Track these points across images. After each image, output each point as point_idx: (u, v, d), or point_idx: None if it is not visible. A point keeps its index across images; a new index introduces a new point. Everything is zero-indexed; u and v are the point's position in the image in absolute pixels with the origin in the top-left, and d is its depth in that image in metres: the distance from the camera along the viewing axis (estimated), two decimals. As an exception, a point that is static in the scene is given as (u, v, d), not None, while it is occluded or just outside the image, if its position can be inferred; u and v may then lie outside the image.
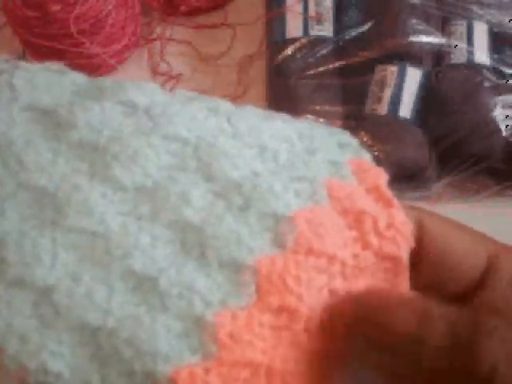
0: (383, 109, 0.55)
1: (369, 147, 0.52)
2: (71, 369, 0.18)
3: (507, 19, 0.59)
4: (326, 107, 0.56)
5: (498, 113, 0.53)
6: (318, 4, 0.60)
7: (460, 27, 0.59)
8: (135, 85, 0.22)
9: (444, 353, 0.17)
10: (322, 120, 0.55)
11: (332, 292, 0.19)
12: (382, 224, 0.20)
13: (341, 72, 0.58)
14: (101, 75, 0.64)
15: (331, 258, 0.19)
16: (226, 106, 0.23)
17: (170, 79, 0.64)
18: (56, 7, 0.57)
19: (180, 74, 0.64)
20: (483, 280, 0.21)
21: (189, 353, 0.18)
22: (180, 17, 0.67)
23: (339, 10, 0.61)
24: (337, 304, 0.19)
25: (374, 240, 0.20)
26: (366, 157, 0.22)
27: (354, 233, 0.20)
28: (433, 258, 0.21)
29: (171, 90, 0.63)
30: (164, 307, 0.18)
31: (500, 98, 0.55)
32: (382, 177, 0.22)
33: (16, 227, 0.19)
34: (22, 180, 0.20)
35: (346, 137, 0.23)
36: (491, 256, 0.21)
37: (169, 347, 0.18)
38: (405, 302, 0.18)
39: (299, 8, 0.60)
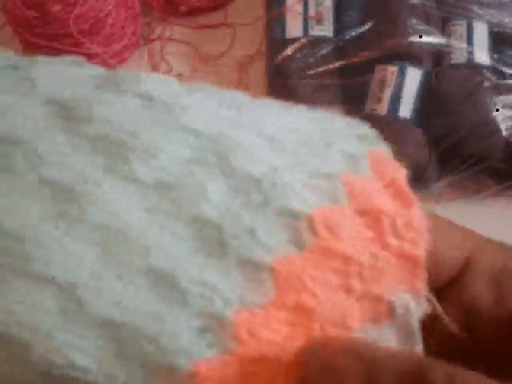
0: (383, 109, 0.55)
1: (369, 147, 0.52)
2: (97, 363, 0.18)
3: (507, 19, 0.59)
4: (326, 107, 0.56)
5: (498, 113, 0.53)
6: (318, 4, 0.60)
7: (460, 27, 0.59)
8: (153, 77, 0.22)
9: None
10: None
11: (348, 292, 0.19)
12: (400, 224, 0.20)
13: (341, 72, 0.58)
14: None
15: (348, 259, 0.19)
16: (242, 97, 0.22)
17: (170, 79, 0.64)
18: (56, 7, 0.57)
19: (180, 74, 0.64)
20: (463, 274, 0.21)
21: (209, 349, 0.18)
22: (180, 17, 0.68)
23: (339, 10, 0.61)
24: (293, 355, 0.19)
25: (392, 241, 0.20)
26: (385, 149, 0.22)
27: (372, 233, 0.20)
28: None
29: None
30: (185, 304, 0.18)
31: (500, 98, 0.55)
32: (400, 171, 0.22)
33: (37, 223, 0.19)
34: (42, 174, 0.20)
35: (365, 128, 0.22)
36: (472, 251, 0.21)
37: (190, 343, 0.18)
38: (352, 353, 0.18)
39: (299, 8, 0.60)
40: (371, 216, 0.20)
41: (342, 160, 0.21)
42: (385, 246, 0.20)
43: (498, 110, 0.53)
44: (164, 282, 0.19)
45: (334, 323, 0.19)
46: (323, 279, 0.19)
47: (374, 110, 0.55)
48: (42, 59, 0.22)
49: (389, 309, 0.19)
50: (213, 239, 0.19)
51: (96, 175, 0.20)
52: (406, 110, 0.55)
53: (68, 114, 0.21)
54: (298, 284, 0.19)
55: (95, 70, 0.22)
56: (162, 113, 0.21)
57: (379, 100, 0.55)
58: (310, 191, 0.20)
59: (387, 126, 0.54)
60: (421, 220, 0.20)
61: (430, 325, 0.19)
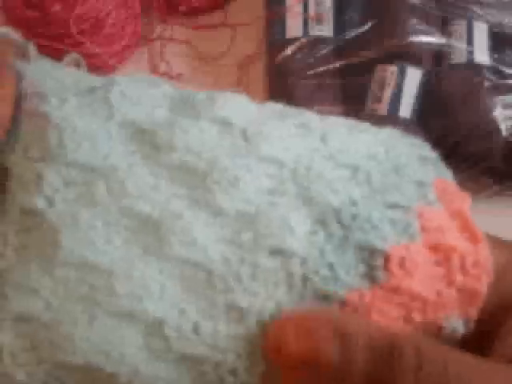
0: (383, 109, 0.55)
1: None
2: None
3: (507, 19, 0.59)
4: (326, 107, 0.56)
5: (498, 113, 0.53)
6: (318, 4, 0.60)
7: (460, 27, 0.58)
8: (227, 99, 0.21)
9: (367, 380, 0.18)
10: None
11: (407, 321, 0.20)
12: (469, 262, 0.21)
13: (341, 72, 0.58)
14: (101, 75, 0.64)
15: (415, 297, 0.20)
16: (316, 121, 0.22)
17: (169, 79, 0.64)
18: (56, 7, 0.57)
19: (180, 74, 0.64)
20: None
21: None
22: (180, 17, 0.67)
23: (339, 10, 0.61)
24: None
25: (459, 278, 0.20)
26: (449, 176, 0.23)
27: (441, 270, 0.21)
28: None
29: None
30: (250, 337, 0.19)
31: (500, 98, 0.55)
32: (465, 201, 0.23)
33: (123, 256, 0.19)
34: (124, 206, 0.20)
35: (427, 150, 0.23)
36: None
37: None
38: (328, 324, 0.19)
39: (299, 8, 0.60)
40: (442, 253, 0.21)
41: (413, 189, 0.21)
42: (451, 283, 0.20)
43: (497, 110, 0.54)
44: (247, 319, 0.19)
45: None
46: (388, 311, 0.20)
47: (373, 110, 0.55)
48: (118, 79, 0.22)
49: (438, 329, 0.20)
50: (295, 273, 0.20)
51: (179, 207, 0.20)
52: (406, 110, 0.55)
53: (148, 140, 0.21)
54: (365, 316, 0.20)
55: (168, 89, 0.22)
56: (240, 140, 0.21)
57: (379, 100, 0.55)
58: (387, 225, 0.20)
59: (387, 126, 0.54)
60: (487, 256, 0.21)
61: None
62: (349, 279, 0.20)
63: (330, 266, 0.20)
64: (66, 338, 0.19)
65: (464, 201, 0.23)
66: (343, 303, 0.19)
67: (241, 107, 0.21)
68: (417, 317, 0.20)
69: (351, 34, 0.59)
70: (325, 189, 0.20)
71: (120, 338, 0.19)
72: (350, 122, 0.23)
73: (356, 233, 0.20)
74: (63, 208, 0.20)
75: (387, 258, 0.20)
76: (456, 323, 0.20)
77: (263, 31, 0.64)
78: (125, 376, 0.18)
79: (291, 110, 0.23)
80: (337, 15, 0.60)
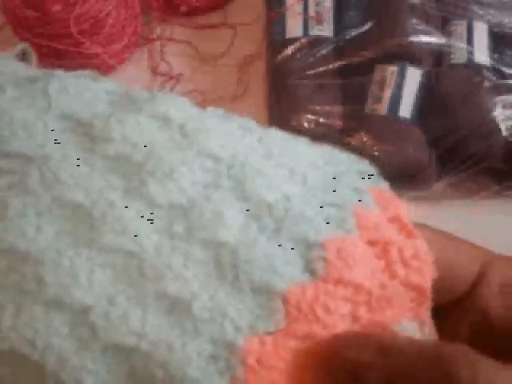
0: (383, 109, 0.55)
1: (369, 147, 0.52)
2: None
3: (507, 19, 0.59)
4: (326, 107, 0.56)
5: (498, 113, 0.53)
6: (317, 4, 0.60)
7: (460, 27, 0.59)
8: (168, 98, 0.22)
9: None
10: (321, 120, 0.55)
11: (355, 319, 0.20)
12: (407, 254, 0.20)
13: (341, 72, 0.58)
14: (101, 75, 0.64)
15: (358, 288, 0.20)
16: (256, 125, 0.22)
17: (169, 79, 0.64)
18: (56, 7, 0.58)
19: (180, 74, 0.64)
20: (474, 286, 0.22)
21: (219, 376, 0.18)
22: (180, 17, 0.68)
23: (339, 10, 0.61)
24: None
25: (400, 270, 0.20)
26: (385, 186, 0.23)
27: (381, 262, 0.20)
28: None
29: (171, 90, 0.63)
30: (196, 331, 0.18)
31: (500, 98, 0.55)
32: (402, 206, 0.22)
33: (52, 245, 0.19)
34: (57, 195, 0.20)
35: (366, 165, 0.23)
36: (483, 264, 0.22)
37: (199, 371, 0.18)
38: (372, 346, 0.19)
39: (299, 8, 0.60)
40: (380, 247, 0.21)
41: (350, 193, 0.21)
42: (393, 276, 0.20)
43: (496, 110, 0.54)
44: (176, 307, 0.19)
45: None
46: (334, 308, 0.19)
47: (374, 110, 0.55)
48: (58, 73, 0.22)
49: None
50: (227, 264, 0.19)
51: (112, 196, 0.20)
52: (406, 110, 0.55)
53: (85, 132, 0.21)
54: (309, 314, 0.19)
55: (111, 85, 0.22)
56: (179, 135, 0.21)
57: (379, 100, 0.55)
58: (322, 220, 0.20)
59: (387, 126, 0.54)
60: (427, 251, 0.21)
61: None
62: (286, 272, 0.19)
63: (266, 257, 0.19)
64: None
65: (400, 206, 0.22)
66: (285, 299, 0.19)
67: (181, 106, 0.22)
68: (364, 313, 0.20)
69: (351, 33, 0.59)
70: (260, 185, 0.20)
71: (47, 327, 0.18)
72: (289, 135, 0.23)
73: (290, 226, 0.20)
74: None
75: (324, 250, 0.20)
76: (409, 327, 0.20)
77: (263, 31, 0.64)
78: (51, 365, 0.18)
79: (233, 115, 0.23)
80: (337, 15, 0.60)
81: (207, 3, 0.67)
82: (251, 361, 0.18)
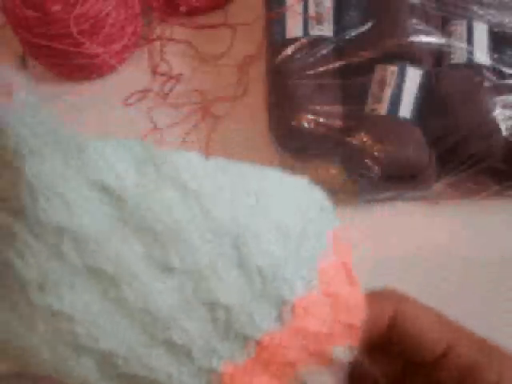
0: (383, 109, 0.55)
1: (369, 147, 0.52)
2: None
3: (507, 19, 0.59)
4: (326, 107, 0.56)
5: (498, 113, 0.53)
6: (317, 4, 0.60)
7: (460, 27, 0.59)
8: (187, 163, 0.26)
9: None
10: (321, 120, 0.55)
11: (305, 350, 0.27)
12: (351, 303, 0.28)
13: (341, 72, 0.58)
14: (101, 75, 0.64)
15: (313, 333, 0.27)
16: (254, 179, 0.27)
17: (169, 79, 0.64)
18: (56, 7, 0.58)
19: (180, 74, 0.64)
20: (440, 358, 0.27)
21: None
22: (180, 17, 0.68)
23: (339, 10, 0.61)
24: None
25: (344, 315, 0.27)
26: (338, 224, 0.29)
27: (331, 310, 0.27)
28: (404, 335, 0.27)
29: (171, 89, 0.63)
30: (191, 364, 0.25)
31: (500, 98, 0.55)
32: (349, 251, 0.29)
33: (83, 302, 0.24)
34: (90, 263, 0.24)
35: (326, 202, 0.29)
36: (451, 339, 0.27)
37: None
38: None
39: (299, 8, 0.60)
40: (332, 298, 0.28)
41: (317, 246, 0.28)
42: (337, 320, 0.27)
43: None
44: (179, 350, 0.25)
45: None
46: (293, 345, 0.26)
47: (373, 110, 0.55)
48: (93, 142, 0.25)
49: (329, 358, 0.27)
50: (222, 320, 0.25)
51: (136, 266, 0.24)
52: (406, 110, 0.55)
53: (117, 205, 0.25)
54: (275, 353, 0.26)
55: (140, 153, 0.25)
56: (197, 209, 0.25)
57: (379, 100, 0.55)
58: (297, 281, 0.27)
59: (387, 126, 0.54)
60: (362, 298, 0.28)
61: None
62: (264, 324, 0.26)
63: (249, 315, 0.25)
64: (37, 360, 0.24)
65: (348, 252, 0.29)
66: (258, 342, 0.26)
67: (193, 168, 0.26)
68: (312, 346, 0.27)
69: (351, 33, 0.59)
70: (256, 252, 0.26)
71: (77, 363, 0.24)
72: (264, 171, 0.28)
73: (272, 288, 0.26)
74: (33, 262, 0.23)
75: (293, 307, 0.27)
76: (343, 352, 0.27)
77: (263, 31, 0.64)
78: None
79: (228, 165, 0.27)
80: (337, 15, 0.60)
81: (207, 3, 0.67)
82: (226, 378, 0.26)
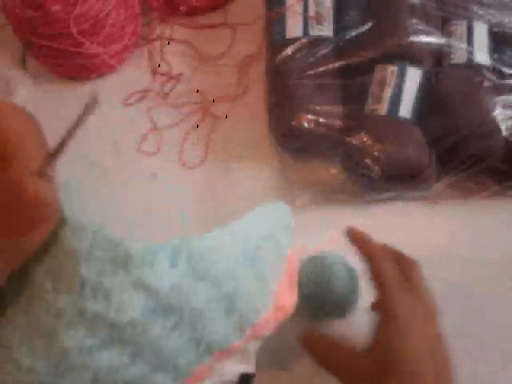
0: (383, 109, 0.55)
1: (369, 147, 0.52)
2: None
3: (507, 19, 0.59)
4: (326, 107, 0.56)
5: (498, 113, 0.53)
6: (317, 4, 0.60)
7: (460, 27, 0.59)
8: (216, 264, 0.36)
9: None
10: (321, 120, 0.55)
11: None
12: (289, 305, 0.40)
13: (341, 72, 0.58)
14: (101, 75, 0.64)
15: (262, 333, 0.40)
16: (239, 225, 0.38)
17: (169, 79, 0.64)
18: (56, 7, 0.57)
19: (180, 74, 0.64)
20: None
21: None
22: (180, 17, 0.68)
23: (339, 10, 0.61)
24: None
25: (281, 314, 0.39)
26: (293, 243, 0.41)
27: (276, 315, 0.39)
28: None
29: (171, 89, 0.63)
30: (174, 373, 0.37)
31: (500, 98, 0.55)
32: (296, 265, 0.42)
33: (106, 358, 0.34)
34: (138, 351, 0.34)
35: (289, 217, 0.40)
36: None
37: None
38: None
39: (299, 8, 0.60)
40: (279, 309, 0.39)
41: (276, 273, 0.39)
42: (276, 317, 0.40)
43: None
44: (167, 364, 0.36)
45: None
46: (249, 347, 0.40)
47: (373, 110, 0.55)
48: (137, 247, 0.33)
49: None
50: (204, 346, 0.37)
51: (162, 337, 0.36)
52: (405, 110, 0.55)
53: (162, 305, 0.34)
54: (236, 350, 0.39)
55: (182, 265, 0.35)
56: (210, 286, 0.36)
57: (379, 100, 0.55)
58: (262, 307, 0.38)
59: (387, 126, 0.54)
60: (295, 299, 0.41)
61: None
62: (232, 340, 0.38)
63: (226, 337, 0.38)
64: None
65: (295, 265, 0.41)
66: (227, 349, 0.39)
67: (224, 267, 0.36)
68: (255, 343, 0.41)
69: (351, 33, 0.59)
70: (244, 303, 0.37)
71: None
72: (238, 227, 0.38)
73: (245, 319, 0.38)
74: (73, 334, 0.32)
75: (254, 327, 0.38)
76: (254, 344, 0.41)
77: (263, 31, 0.64)
78: None
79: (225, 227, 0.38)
80: (337, 15, 0.60)
81: (207, 3, 0.67)
82: (202, 373, 0.38)
